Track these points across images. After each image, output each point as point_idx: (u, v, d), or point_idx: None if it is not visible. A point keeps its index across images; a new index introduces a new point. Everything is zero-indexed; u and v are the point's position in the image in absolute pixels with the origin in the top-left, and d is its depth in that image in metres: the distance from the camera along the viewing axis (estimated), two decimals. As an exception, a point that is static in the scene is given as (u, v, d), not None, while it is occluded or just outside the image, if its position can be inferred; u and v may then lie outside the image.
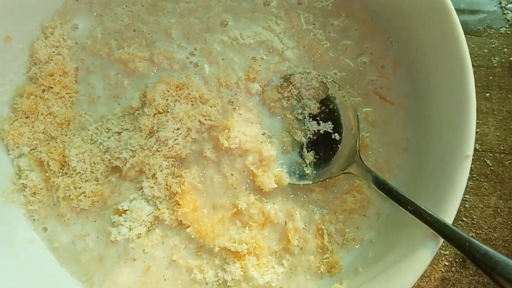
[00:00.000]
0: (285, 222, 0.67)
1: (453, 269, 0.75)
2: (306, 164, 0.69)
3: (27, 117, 0.68)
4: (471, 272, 0.74)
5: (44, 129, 0.69)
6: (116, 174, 0.68)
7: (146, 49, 0.72)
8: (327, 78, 0.70)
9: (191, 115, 0.67)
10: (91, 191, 0.66)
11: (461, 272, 0.74)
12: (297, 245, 0.66)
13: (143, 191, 0.66)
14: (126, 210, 0.66)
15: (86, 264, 0.66)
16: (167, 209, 0.66)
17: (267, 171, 0.67)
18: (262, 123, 0.70)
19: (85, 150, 0.67)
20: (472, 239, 0.53)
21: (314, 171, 0.68)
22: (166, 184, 0.66)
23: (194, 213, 0.66)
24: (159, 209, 0.66)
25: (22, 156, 0.69)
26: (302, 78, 0.70)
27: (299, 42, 0.72)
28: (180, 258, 0.66)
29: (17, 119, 0.68)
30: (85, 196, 0.66)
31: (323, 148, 0.69)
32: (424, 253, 0.57)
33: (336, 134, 0.69)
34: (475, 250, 0.52)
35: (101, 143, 0.68)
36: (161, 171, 0.66)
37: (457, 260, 0.75)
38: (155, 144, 0.66)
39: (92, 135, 0.69)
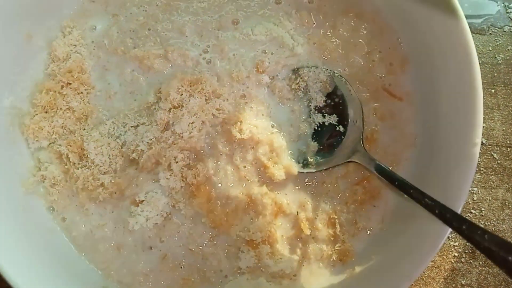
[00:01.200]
0: (297, 212, 0.69)
1: (462, 259, 0.76)
2: (310, 153, 0.71)
3: (46, 112, 0.70)
4: (480, 263, 0.75)
5: (63, 123, 0.70)
6: (133, 167, 0.70)
7: (161, 46, 0.74)
8: (334, 72, 0.72)
9: (205, 109, 0.69)
10: (110, 182, 0.68)
11: (471, 262, 0.76)
12: (310, 235, 0.68)
13: (159, 183, 0.68)
14: (143, 200, 0.67)
15: (104, 253, 0.68)
16: (183, 199, 0.68)
17: (278, 162, 0.69)
18: (271, 115, 0.72)
19: (103, 144, 0.69)
20: (475, 224, 0.53)
21: (319, 159, 0.70)
22: (182, 176, 0.68)
23: (208, 203, 0.68)
24: (175, 199, 0.68)
25: (41, 149, 0.70)
26: (310, 71, 0.72)
27: (309, 39, 0.74)
28: (196, 246, 0.67)
29: (36, 114, 0.70)
30: (103, 188, 0.68)
31: (327, 139, 0.71)
32: (433, 241, 0.59)
33: (340, 126, 0.71)
34: (480, 235, 0.52)
35: (118, 137, 0.70)
36: (176, 163, 0.68)
37: (466, 251, 0.76)
38: (170, 137, 0.68)
39: (109, 129, 0.70)
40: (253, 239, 0.66)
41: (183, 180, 0.68)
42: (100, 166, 0.69)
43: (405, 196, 0.62)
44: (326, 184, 0.71)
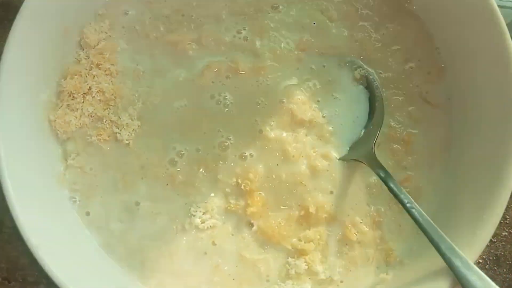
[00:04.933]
0: (343, 217, 0.68)
1: (486, 266, 0.77)
2: None
3: (72, 99, 0.68)
4: (504, 270, 0.77)
5: (91, 112, 0.68)
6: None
7: (195, 31, 0.73)
8: (368, 71, 0.73)
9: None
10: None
11: (495, 269, 0.77)
12: (356, 240, 0.67)
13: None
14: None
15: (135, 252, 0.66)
16: (238, 204, 0.67)
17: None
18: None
19: (134, 127, 0.69)
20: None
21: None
22: (237, 182, 0.68)
23: (261, 211, 0.67)
24: (231, 203, 0.67)
25: (69, 140, 0.68)
26: (347, 63, 0.73)
27: (352, 35, 0.74)
28: (248, 252, 0.66)
29: (61, 107, 0.68)
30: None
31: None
32: (471, 251, 0.57)
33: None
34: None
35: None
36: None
37: (490, 258, 0.77)
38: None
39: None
40: (306, 248, 0.65)
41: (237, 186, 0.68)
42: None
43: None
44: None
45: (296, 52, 0.73)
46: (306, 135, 0.71)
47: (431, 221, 0.59)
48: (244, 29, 0.74)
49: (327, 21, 0.75)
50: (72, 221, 0.65)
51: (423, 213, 0.59)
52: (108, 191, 0.68)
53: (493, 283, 0.52)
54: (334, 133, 0.71)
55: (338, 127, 0.72)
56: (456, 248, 0.55)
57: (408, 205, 0.60)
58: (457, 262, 0.54)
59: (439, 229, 0.58)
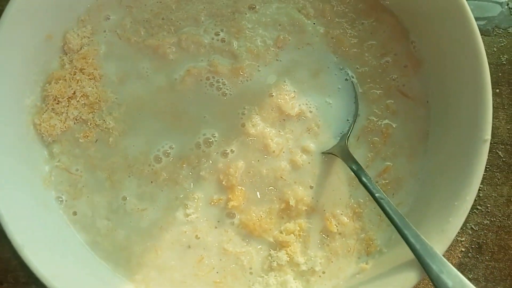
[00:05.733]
0: (324, 209, 0.70)
1: (469, 254, 0.78)
2: None
3: (57, 103, 0.69)
4: (487, 257, 0.78)
5: (76, 115, 0.70)
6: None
7: (175, 35, 0.74)
8: (346, 72, 0.75)
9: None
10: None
11: (478, 257, 0.78)
12: (336, 231, 0.69)
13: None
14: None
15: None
16: (220, 199, 0.69)
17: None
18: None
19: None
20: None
21: None
22: (218, 177, 0.69)
23: (242, 206, 0.69)
24: (213, 198, 0.69)
25: (55, 142, 0.70)
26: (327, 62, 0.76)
27: (328, 32, 0.76)
28: (231, 245, 0.68)
29: (46, 110, 0.69)
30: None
31: None
32: (444, 237, 0.59)
33: None
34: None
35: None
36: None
37: (473, 246, 0.78)
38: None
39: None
40: (287, 240, 0.67)
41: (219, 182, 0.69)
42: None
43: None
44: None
45: (273, 49, 0.75)
46: (292, 131, 0.72)
47: (399, 211, 0.61)
48: (222, 30, 0.75)
49: (304, 19, 0.76)
50: (58, 221, 0.67)
51: (392, 203, 0.61)
52: (94, 190, 0.69)
53: (454, 269, 0.54)
54: (321, 127, 0.73)
55: (324, 121, 0.73)
56: (421, 236, 0.57)
57: (377, 195, 0.62)
58: (422, 250, 0.56)
59: (405, 219, 0.59)
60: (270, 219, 0.69)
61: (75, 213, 0.68)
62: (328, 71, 0.75)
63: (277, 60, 0.75)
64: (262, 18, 0.76)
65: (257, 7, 0.77)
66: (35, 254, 0.57)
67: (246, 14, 0.76)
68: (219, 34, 0.75)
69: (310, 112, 0.73)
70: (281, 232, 0.68)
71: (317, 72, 0.75)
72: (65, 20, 0.72)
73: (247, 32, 0.75)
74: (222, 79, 0.74)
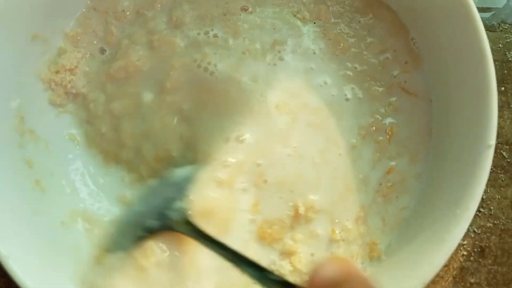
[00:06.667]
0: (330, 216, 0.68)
1: (471, 258, 0.76)
2: None
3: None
4: (489, 261, 0.76)
5: None
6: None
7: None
8: None
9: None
10: None
11: (480, 261, 0.76)
12: (340, 238, 0.67)
13: None
14: None
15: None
16: None
17: None
18: None
19: None
20: None
21: None
22: None
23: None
24: None
25: None
26: None
27: (325, 34, 0.73)
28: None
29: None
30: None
31: None
32: (444, 246, 0.57)
33: None
34: None
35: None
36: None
37: (475, 250, 0.76)
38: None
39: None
40: (295, 249, 0.65)
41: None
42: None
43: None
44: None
45: (268, 47, 0.72)
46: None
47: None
48: (212, 29, 0.72)
49: (299, 22, 0.73)
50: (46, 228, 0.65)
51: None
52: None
53: None
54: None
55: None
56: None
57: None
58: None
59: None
60: (280, 227, 0.67)
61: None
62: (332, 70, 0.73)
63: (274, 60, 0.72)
64: (256, 18, 0.73)
65: (250, 8, 0.74)
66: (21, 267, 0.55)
67: (238, 16, 0.73)
68: (208, 33, 0.72)
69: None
70: (285, 241, 0.66)
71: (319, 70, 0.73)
72: (52, 21, 0.70)
73: (243, 33, 0.72)
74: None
